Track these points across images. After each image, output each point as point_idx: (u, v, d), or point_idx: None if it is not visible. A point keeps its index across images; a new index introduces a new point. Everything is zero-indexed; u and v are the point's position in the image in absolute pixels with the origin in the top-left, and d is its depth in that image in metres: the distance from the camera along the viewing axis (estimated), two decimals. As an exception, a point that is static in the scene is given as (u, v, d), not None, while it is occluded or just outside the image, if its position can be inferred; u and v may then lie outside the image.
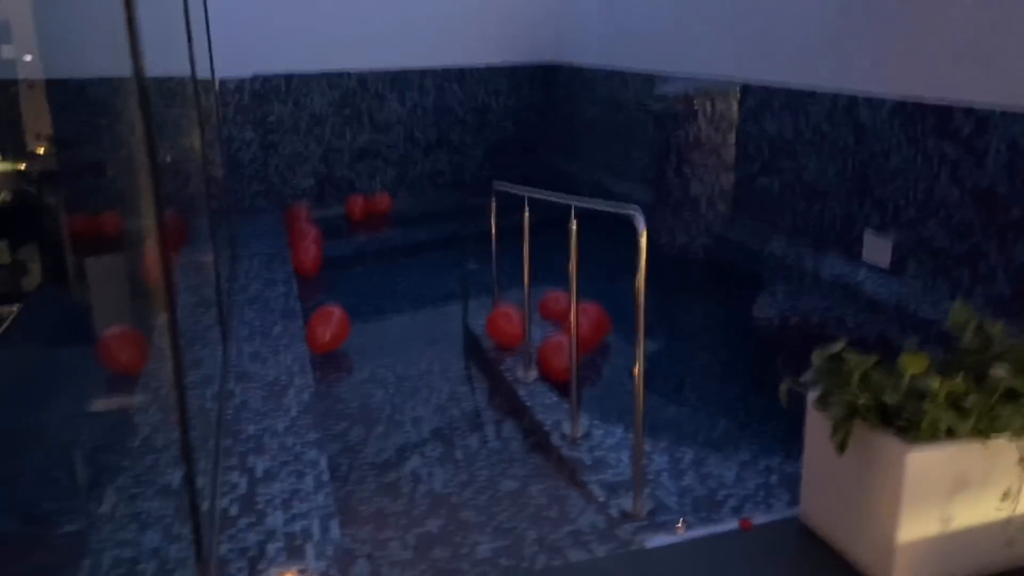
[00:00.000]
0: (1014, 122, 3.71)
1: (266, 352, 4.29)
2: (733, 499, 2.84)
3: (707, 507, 2.79)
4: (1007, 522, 2.22)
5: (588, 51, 8.17)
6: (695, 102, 5.82)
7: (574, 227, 3.10)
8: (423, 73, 8.44)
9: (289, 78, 7.96)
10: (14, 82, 5.67)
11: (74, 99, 6.13)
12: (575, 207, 3.10)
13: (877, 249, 4.59)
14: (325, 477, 3.03)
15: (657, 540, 2.60)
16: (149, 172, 2.11)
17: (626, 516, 2.73)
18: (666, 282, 5.98)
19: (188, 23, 4.17)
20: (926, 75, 4.22)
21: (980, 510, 2.23)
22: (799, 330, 4.54)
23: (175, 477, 2.88)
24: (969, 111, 3.95)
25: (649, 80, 6.91)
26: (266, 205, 7.97)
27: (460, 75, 8.59)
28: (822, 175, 5.01)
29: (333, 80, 8.14)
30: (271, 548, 2.60)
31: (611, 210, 2.76)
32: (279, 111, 8.01)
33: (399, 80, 8.37)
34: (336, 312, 4.67)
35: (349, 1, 8.00)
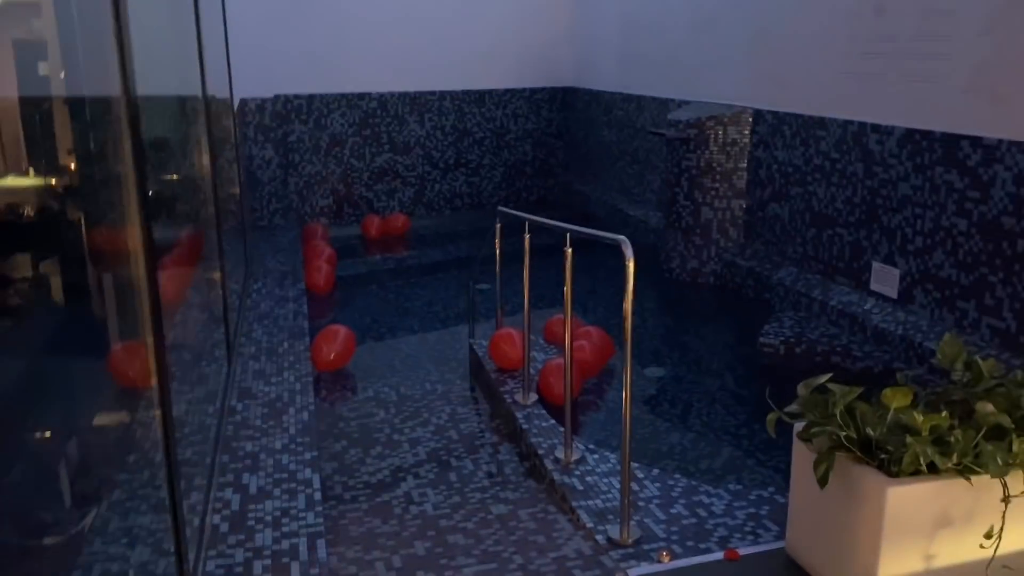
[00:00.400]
0: (1021, 153, 3.68)
1: (271, 370, 4.34)
2: (722, 529, 2.81)
3: (695, 537, 2.77)
4: (990, 561, 2.18)
5: (605, 76, 8.22)
6: (707, 128, 5.83)
7: (569, 253, 3.12)
8: (442, 95, 8.54)
9: (311, 98, 8.09)
10: (48, 98, 5.82)
11: (97, 116, 6.27)
12: (572, 234, 3.12)
13: (885, 279, 4.55)
14: (317, 496, 3.05)
15: (641, 569, 2.59)
16: (136, 187, 2.17)
17: (613, 544, 2.73)
18: (675, 307, 5.98)
19: (200, 44, 4.27)
20: (934, 105, 4.20)
21: (963, 547, 2.20)
22: (805, 359, 4.51)
23: (161, 493, 2.92)
24: (976, 141, 3.92)
25: (663, 105, 6.94)
26: (284, 223, 8.07)
27: (479, 97, 8.68)
28: (831, 203, 4.99)
29: (353, 101, 8.26)
30: (257, 566, 2.62)
31: (602, 238, 2.78)
32: (300, 131, 8.13)
33: (418, 102, 8.47)
34: (342, 331, 4.72)
35: (370, 24, 8.14)
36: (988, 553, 2.17)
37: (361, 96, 8.28)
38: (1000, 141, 3.78)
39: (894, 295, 4.48)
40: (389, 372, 4.74)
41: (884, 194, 4.54)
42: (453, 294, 6.39)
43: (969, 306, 4.00)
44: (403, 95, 8.41)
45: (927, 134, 4.22)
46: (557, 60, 8.86)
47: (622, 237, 2.59)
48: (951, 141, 4.07)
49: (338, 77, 8.14)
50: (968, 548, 2.19)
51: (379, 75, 8.29)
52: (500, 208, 4.25)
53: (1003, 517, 2.15)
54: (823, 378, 2.38)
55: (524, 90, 8.86)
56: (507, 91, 8.79)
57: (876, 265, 4.62)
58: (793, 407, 2.43)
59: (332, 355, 4.60)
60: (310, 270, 6.30)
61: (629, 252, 2.57)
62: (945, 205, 4.13)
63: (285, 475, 3.21)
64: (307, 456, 3.36)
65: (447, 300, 6.30)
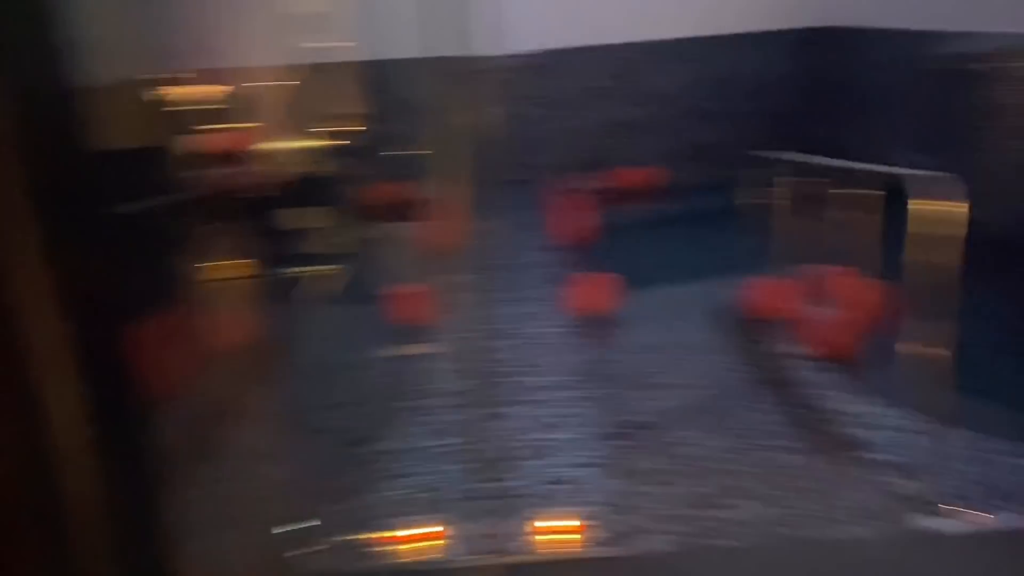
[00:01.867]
0: None
1: (532, 313, 4.55)
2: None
3: (998, 497, 2.56)
4: None
5: (876, 10, 7.55)
6: (1004, 62, 5.21)
7: (867, 197, 2.96)
8: (693, 42, 8.31)
9: (560, 52, 8.22)
10: (333, 65, 6.45)
11: (380, 79, 6.86)
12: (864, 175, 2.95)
13: None
14: (597, 431, 3.18)
15: (944, 526, 2.44)
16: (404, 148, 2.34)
17: (912, 499, 2.59)
18: (970, 261, 5.46)
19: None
20: None
21: None
22: None
23: (458, 417, 3.19)
24: None
25: (950, 39, 6.26)
26: (538, 177, 8.29)
27: (732, 43, 8.35)
28: None
29: (602, 53, 8.29)
30: (545, 490, 2.79)
31: (915, 178, 2.61)
32: (550, 85, 8.32)
33: (669, 51, 8.32)
34: (601, 278, 4.82)
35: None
36: None
37: (610, 47, 8.29)
38: None
39: None
40: (651, 319, 4.75)
41: None
42: (711, 245, 6.28)
43: None
44: (654, 44, 8.30)
45: None
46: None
47: (942, 174, 2.41)
48: None
49: (586, 28, 8.17)
50: None
51: (627, 24, 8.22)
52: (770, 153, 4.10)
53: None
54: None
55: (778, 32, 8.39)
56: (762, 34, 8.38)
57: None
58: None
59: (593, 301, 4.72)
60: (565, 221, 6.47)
61: (954, 192, 2.39)
62: None
63: (559, 410, 3.37)
64: (582, 393, 3.50)
65: (705, 251, 6.21)
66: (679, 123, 8.53)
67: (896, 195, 2.64)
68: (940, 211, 2.45)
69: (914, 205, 2.40)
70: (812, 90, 8.54)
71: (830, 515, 2.60)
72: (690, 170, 8.44)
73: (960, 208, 2.35)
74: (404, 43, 6.76)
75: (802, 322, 3.91)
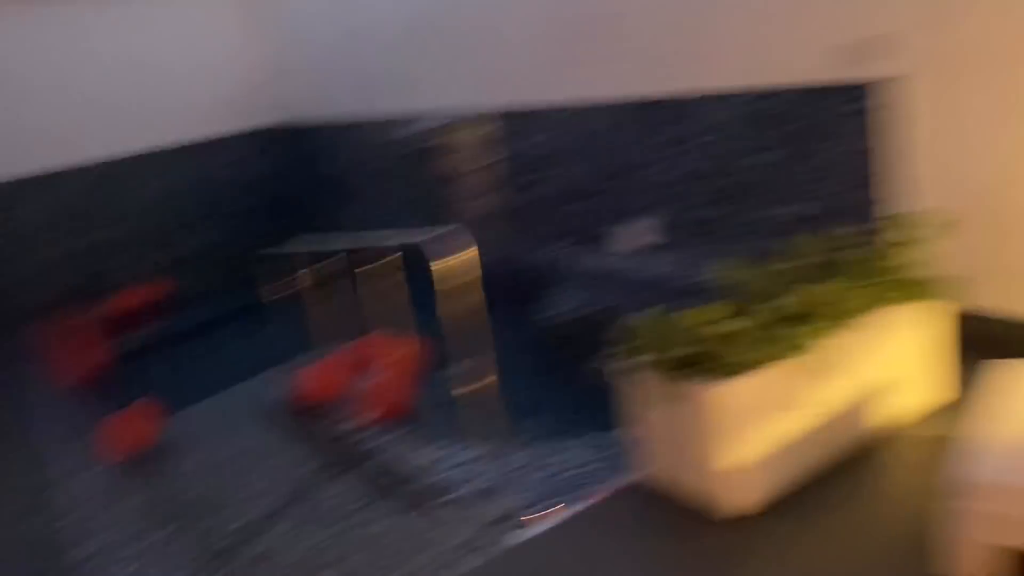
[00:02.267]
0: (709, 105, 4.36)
1: (75, 470, 4.00)
2: (583, 478, 3.09)
3: (562, 491, 3.02)
4: (812, 432, 2.63)
5: (329, 105, 8.25)
6: (450, 134, 6.14)
7: (368, 269, 3.23)
8: (165, 154, 8.12)
9: (29, 180, 7.36)
10: None
11: None
12: (373, 248, 3.23)
13: (638, 234, 5.13)
14: (189, 570, 2.93)
15: (524, 535, 2.78)
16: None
17: (492, 522, 2.89)
18: (458, 306, 6.23)
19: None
20: (642, 75, 4.81)
21: (787, 426, 2.62)
22: (586, 320, 4.93)
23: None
24: (673, 101, 4.58)
25: (400, 123, 7.15)
26: (29, 319, 7.23)
27: (208, 149, 8.36)
28: (581, 179, 5.50)
29: (76, 175, 7.63)
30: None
31: (408, 241, 2.93)
32: (19, 218, 7.37)
33: (144, 164, 7.99)
34: (139, 410, 4.44)
35: (76, 90, 7.54)
36: (809, 426, 2.61)
37: (74, 170, 7.66)
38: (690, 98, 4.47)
39: (649, 246, 5.07)
40: (201, 439, 4.50)
41: (625, 160, 5.12)
42: (246, 345, 6.17)
43: (717, 239, 4.67)
44: (122, 161, 7.89)
45: (644, 103, 4.82)
46: (278, 97, 8.74)
47: (450, 227, 2.75)
48: (660, 105, 4.70)
49: (47, 151, 7.45)
50: (791, 426, 2.61)
51: (92, 142, 7.71)
52: (270, 250, 4.23)
53: (813, 391, 2.59)
54: (635, 316, 2.71)
55: (248, 134, 8.63)
56: (232, 138, 8.54)
57: (629, 225, 5.19)
58: (615, 348, 2.73)
59: (134, 436, 4.30)
60: (74, 359, 5.78)
61: (464, 242, 2.74)
62: (672, 160, 4.76)
63: (147, 562, 3.03)
64: (158, 536, 3.18)
65: (241, 353, 6.07)
66: (174, 234, 8.24)
67: (415, 256, 2.96)
68: (458, 263, 2.80)
69: (435, 266, 2.72)
70: (301, 182, 8.96)
71: (440, 563, 2.77)
72: (200, 278, 8.19)
73: (473, 254, 2.73)
74: None
75: (356, 395, 4.09)
